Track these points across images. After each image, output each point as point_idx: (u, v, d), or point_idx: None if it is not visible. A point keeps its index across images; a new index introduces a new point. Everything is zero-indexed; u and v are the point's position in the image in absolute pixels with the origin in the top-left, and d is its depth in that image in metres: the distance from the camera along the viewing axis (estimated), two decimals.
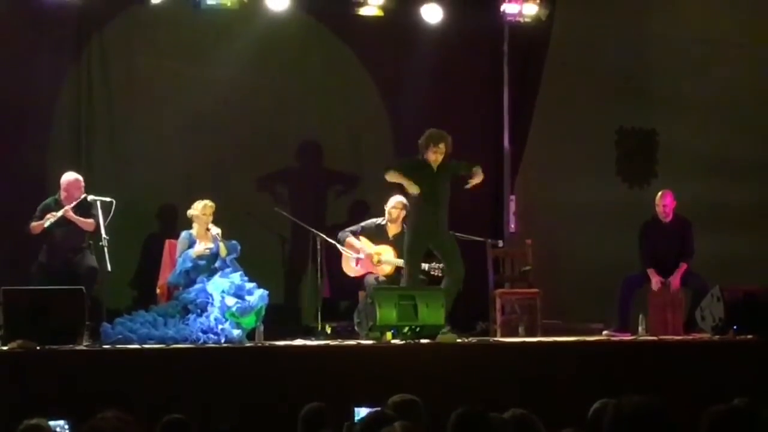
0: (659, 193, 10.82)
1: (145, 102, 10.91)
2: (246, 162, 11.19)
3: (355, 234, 10.63)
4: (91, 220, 9.66)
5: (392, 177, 9.85)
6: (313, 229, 10.51)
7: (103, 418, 3.59)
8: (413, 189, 9.75)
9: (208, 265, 9.77)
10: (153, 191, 10.88)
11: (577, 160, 12.27)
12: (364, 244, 10.61)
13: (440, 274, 10.01)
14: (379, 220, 10.74)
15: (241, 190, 11.08)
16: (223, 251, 9.78)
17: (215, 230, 9.89)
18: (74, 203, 9.69)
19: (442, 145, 9.79)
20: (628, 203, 12.10)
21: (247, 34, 11.10)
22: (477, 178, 9.81)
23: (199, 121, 10.99)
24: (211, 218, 10.00)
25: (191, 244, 9.92)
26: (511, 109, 11.89)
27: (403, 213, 10.51)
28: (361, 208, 11.24)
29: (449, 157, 9.87)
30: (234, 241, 9.88)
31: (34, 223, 9.65)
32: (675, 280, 10.54)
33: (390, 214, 10.62)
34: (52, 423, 5.08)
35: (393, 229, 10.65)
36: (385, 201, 10.66)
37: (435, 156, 9.80)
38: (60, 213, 9.63)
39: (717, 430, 3.53)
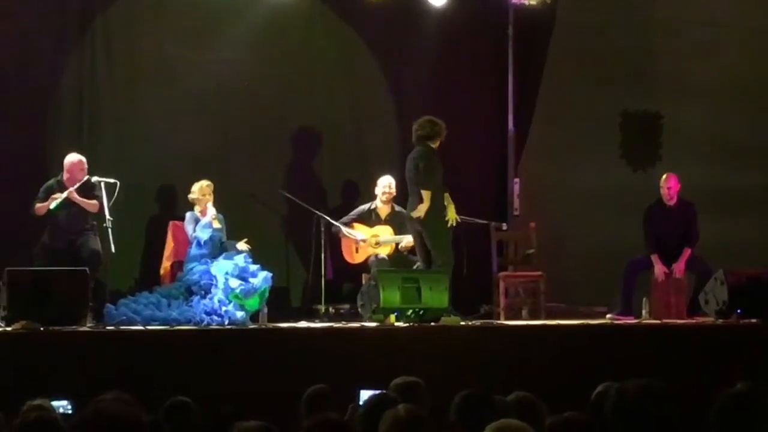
0: (664, 176, 10.80)
1: (149, 84, 10.89)
2: (249, 144, 11.17)
3: (347, 225, 10.63)
4: (95, 202, 9.63)
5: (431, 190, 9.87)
6: (317, 211, 10.51)
7: (105, 399, 3.59)
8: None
9: (213, 249, 9.77)
10: (156, 173, 10.87)
11: (581, 143, 12.24)
12: (359, 230, 10.61)
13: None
14: (369, 205, 10.75)
15: (245, 173, 11.06)
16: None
17: (212, 210, 9.88)
18: (77, 185, 9.67)
19: None
20: (632, 187, 12.06)
21: (251, 17, 11.06)
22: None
23: (203, 103, 10.98)
24: (210, 198, 9.98)
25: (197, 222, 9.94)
26: (515, 91, 11.84)
27: (393, 193, 10.55)
28: (365, 191, 11.21)
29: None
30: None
31: (38, 204, 9.62)
32: (679, 267, 10.51)
33: (380, 195, 10.63)
34: (55, 403, 5.09)
35: (385, 210, 10.67)
36: None
37: (441, 143, 9.87)
38: (64, 195, 9.60)
39: (726, 413, 3.53)
